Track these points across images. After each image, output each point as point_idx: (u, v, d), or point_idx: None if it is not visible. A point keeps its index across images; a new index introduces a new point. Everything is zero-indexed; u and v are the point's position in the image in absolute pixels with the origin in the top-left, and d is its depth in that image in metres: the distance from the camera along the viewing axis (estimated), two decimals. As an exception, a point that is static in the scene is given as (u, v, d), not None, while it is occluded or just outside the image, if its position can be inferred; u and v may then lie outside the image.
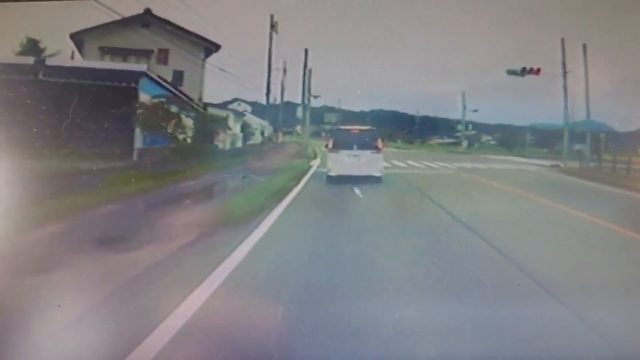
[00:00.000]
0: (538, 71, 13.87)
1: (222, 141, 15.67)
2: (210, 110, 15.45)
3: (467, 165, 17.50)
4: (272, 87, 17.47)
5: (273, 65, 17.22)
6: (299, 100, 18.73)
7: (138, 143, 12.54)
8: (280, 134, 19.57)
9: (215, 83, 15.74)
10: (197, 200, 8.80)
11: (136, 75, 12.50)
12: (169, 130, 13.04)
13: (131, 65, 13.81)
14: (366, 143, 12.30)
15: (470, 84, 20.59)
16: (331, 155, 12.33)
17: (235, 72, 16.18)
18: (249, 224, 6.66)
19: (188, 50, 14.61)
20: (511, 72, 14.03)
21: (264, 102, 17.76)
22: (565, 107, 14.67)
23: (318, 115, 20.85)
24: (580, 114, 17.27)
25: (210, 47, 14.87)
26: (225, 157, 14.90)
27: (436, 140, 26.00)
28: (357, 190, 10.58)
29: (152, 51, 14.62)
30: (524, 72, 13.84)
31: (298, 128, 20.04)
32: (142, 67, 13.22)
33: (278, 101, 18.58)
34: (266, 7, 16.24)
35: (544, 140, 22.54)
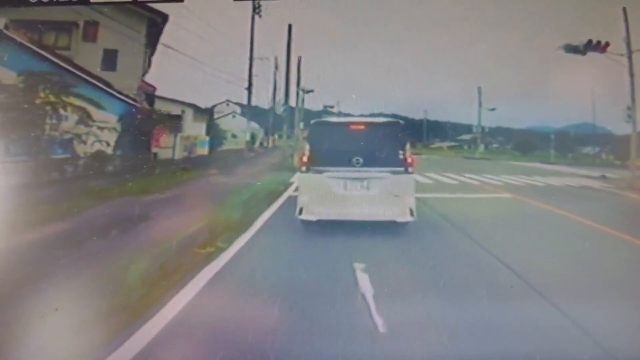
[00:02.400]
0: (606, 47, 9.97)
1: (169, 147, 11.43)
2: (160, 104, 11.45)
3: (511, 179, 12.73)
4: (270, 86, 15.10)
5: (271, 66, 14.74)
6: (295, 100, 15.94)
7: (-4, 154, 7.81)
8: (272, 137, 17.05)
9: (211, 85, 12.81)
10: None
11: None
12: (50, 132, 8.44)
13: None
14: (381, 153, 5.88)
15: (468, 87, 18.30)
16: (307, 180, 6.09)
17: (226, 69, 13.65)
18: None
19: (124, 22, 10.67)
20: (570, 49, 10.10)
21: (259, 103, 15.05)
22: (632, 99, 10.92)
23: (316, 118, 18.31)
24: (573, 115, 15.86)
25: (154, 19, 10.90)
26: (165, 171, 10.39)
27: (439, 144, 23.53)
28: (365, 287, 4.21)
29: (76, 24, 10.74)
30: (588, 47, 9.93)
31: (296, 131, 17.28)
32: (-7, 21, 8.39)
33: (275, 102, 16.00)
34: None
35: (546, 144, 20.40)
